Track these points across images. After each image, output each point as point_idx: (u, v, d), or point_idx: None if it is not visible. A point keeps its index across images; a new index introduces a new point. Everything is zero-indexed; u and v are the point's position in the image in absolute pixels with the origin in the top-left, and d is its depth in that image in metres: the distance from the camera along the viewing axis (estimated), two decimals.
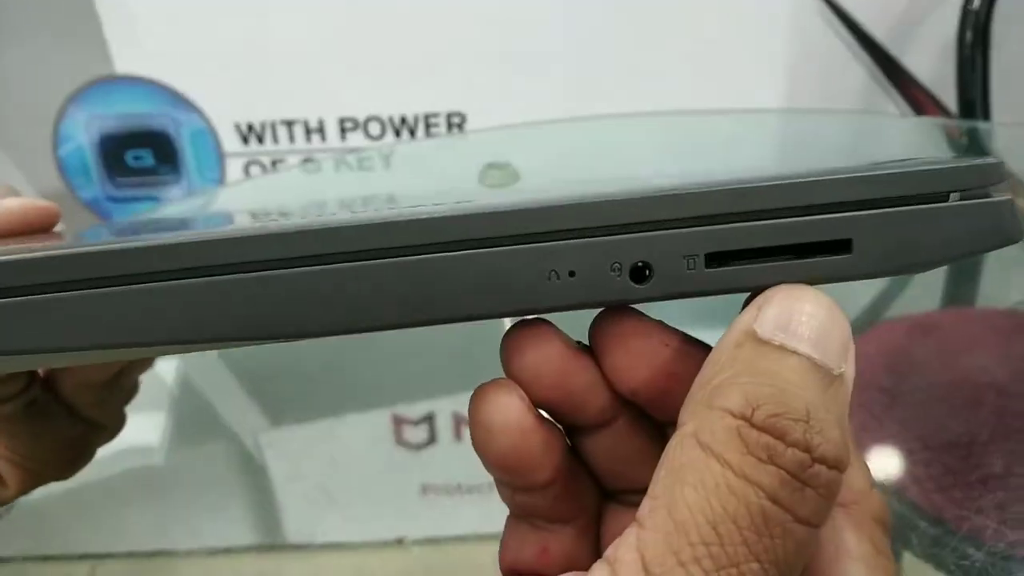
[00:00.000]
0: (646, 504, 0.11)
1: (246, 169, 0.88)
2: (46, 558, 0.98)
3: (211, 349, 0.13)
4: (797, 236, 0.12)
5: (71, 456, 0.21)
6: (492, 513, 0.15)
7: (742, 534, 0.10)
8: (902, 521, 0.45)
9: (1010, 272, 0.71)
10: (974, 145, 0.79)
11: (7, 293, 0.11)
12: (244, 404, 0.92)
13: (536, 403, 0.14)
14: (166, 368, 0.78)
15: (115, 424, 0.21)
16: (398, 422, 0.93)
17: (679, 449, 0.11)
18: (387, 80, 0.85)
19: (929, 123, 0.83)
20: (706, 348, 0.14)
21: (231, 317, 0.12)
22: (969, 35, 0.76)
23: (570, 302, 0.12)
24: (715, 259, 0.12)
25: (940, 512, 0.44)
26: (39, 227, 0.19)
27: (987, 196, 0.13)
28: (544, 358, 0.13)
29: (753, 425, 0.11)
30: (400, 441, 0.93)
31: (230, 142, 0.86)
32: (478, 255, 0.12)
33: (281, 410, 0.94)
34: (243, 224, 0.15)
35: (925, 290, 0.69)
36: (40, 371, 0.20)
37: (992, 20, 0.76)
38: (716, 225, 0.12)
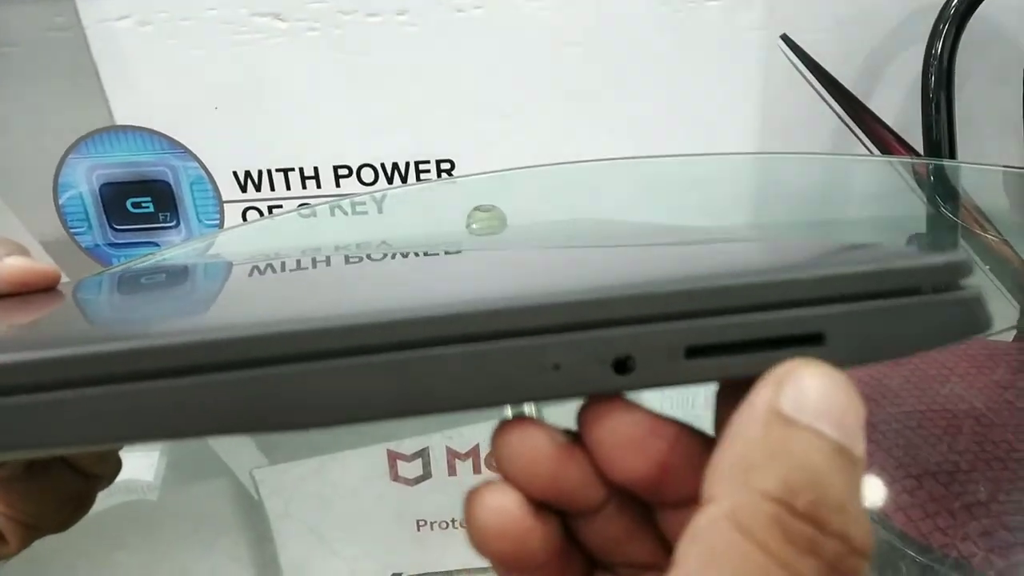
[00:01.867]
0: None
1: (244, 215, 0.90)
2: None
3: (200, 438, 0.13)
4: (772, 331, 0.13)
5: (71, 509, 0.20)
6: None
7: None
8: (890, 550, 0.46)
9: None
10: (940, 184, 0.81)
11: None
12: (239, 440, 0.93)
13: (530, 499, 0.13)
14: None
15: (113, 472, 0.21)
16: (392, 457, 0.94)
17: (714, 530, 0.11)
18: (379, 129, 0.87)
19: (898, 163, 0.86)
20: (698, 434, 0.14)
21: (221, 414, 0.12)
22: (933, 78, 0.79)
23: (555, 394, 0.13)
24: (694, 352, 0.13)
25: (927, 540, 0.45)
26: (39, 288, 0.19)
27: (956, 290, 0.13)
28: (535, 460, 0.13)
29: (794, 513, 0.10)
30: (395, 476, 0.94)
31: (228, 189, 0.88)
32: (465, 351, 0.12)
33: (276, 446, 0.94)
34: (237, 314, 0.15)
35: None
36: None
37: (955, 62, 0.79)
38: (695, 320, 0.13)
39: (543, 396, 0.13)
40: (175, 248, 0.80)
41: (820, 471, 0.11)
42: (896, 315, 0.13)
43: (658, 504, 0.14)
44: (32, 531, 0.20)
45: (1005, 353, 0.66)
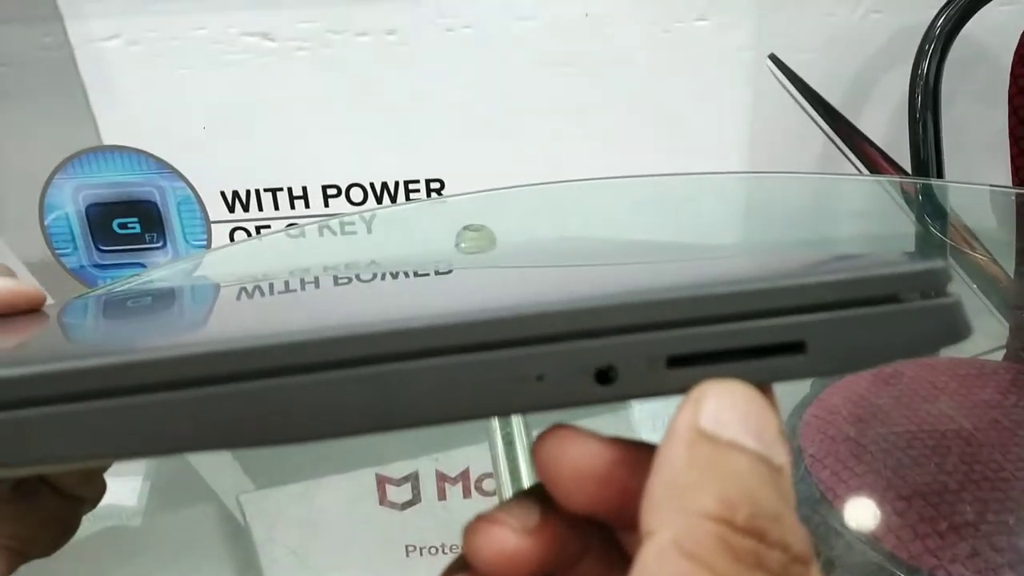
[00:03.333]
0: None
1: (231, 235, 0.90)
2: None
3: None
4: (753, 340, 0.13)
5: (57, 533, 0.20)
6: None
7: None
8: (879, 571, 0.45)
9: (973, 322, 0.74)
10: (929, 203, 0.82)
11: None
12: (225, 465, 0.92)
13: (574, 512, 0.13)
14: None
15: (98, 496, 0.21)
16: (381, 481, 0.93)
17: (662, 561, 0.11)
18: (368, 148, 0.87)
19: (886, 183, 0.87)
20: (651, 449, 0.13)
21: (202, 429, 0.12)
22: (919, 97, 0.79)
23: (539, 405, 0.13)
24: (676, 361, 0.13)
25: (917, 562, 0.44)
26: (24, 310, 0.19)
27: (936, 298, 0.13)
28: (586, 469, 0.13)
29: (736, 529, 0.11)
30: (384, 501, 0.93)
31: (216, 209, 0.88)
32: (450, 362, 0.12)
33: (263, 471, 0.93)
34: (220, 331, 0.15)
35: None
36: None
37: (941, 82, 0.80)
38: (675, 330, 0.13)
39: (528, 407, 0.13)
40: (161, 269, 0.80)
41: (751, 484, 0.11)
42: (876, 323, 0.13)
43: (620, 528, 0.14)
44: (19, 556, 0.20)
45: (994, 372, 0.66)
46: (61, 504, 0.20)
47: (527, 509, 0.14)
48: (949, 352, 0.71)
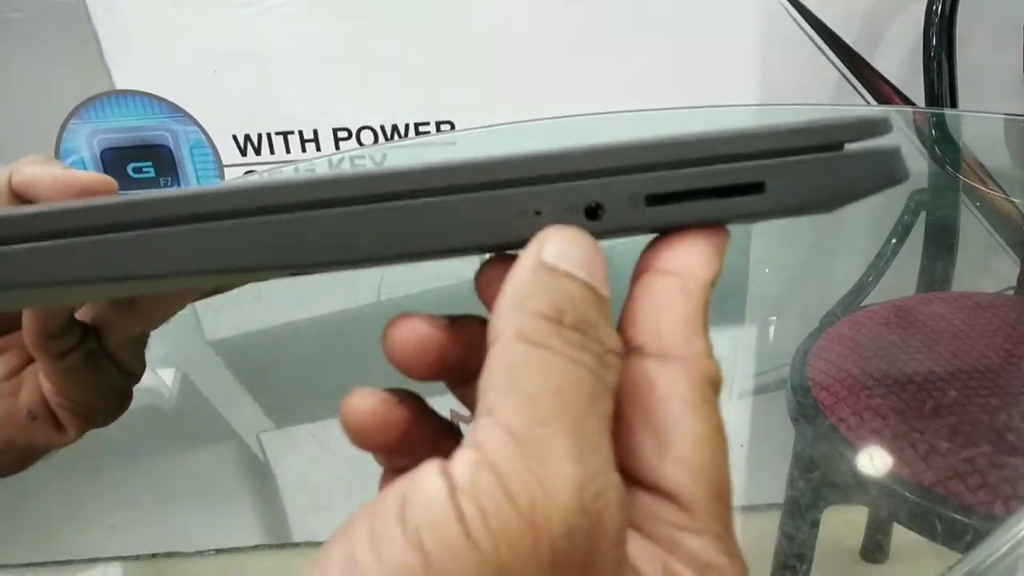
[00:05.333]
0: (489, 397, 0.13)
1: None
2: (56, 563, 0.99)
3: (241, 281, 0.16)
4: (720, 180, 0.15)
5: (117, 404, 0.23)
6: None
7: (580, 396, 0.13)
8: (880, 488, 0.48)
9: (985, 262, 0.74)
10: (942, 137, 0.81)
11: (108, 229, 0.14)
12: (245, 405, 0.94)
13: (422, 377, 0.16)
14: (164, 372, 0.80)
15: (142, 372, 0.24)
16: None
17: (509, 349, 0.13)
18: (379, 91, 0.87)
19: (898, 115, 0.86)
20: (479, 321, 0.17)
21: (266, 250, 0.14)
22: (934, 35, 0.79)
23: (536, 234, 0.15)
24: (654, 200, 0.15)
25: (918, 478, 0.46)
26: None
27: (877, 145, 0.15)
28: (423, 344, 0.16)
29: (563, 325, 0.13)
30: None
31: (228, 153, 0.89)
32: (464, 199, 0.14)
33: (283, 410, 0.95)
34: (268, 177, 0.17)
35: (902, 279, 0.72)
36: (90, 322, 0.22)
37: (956, 19, 0.79)
38: (654, 172, 0.15)
39: (529, 237, 0.15)
40: None
41: (576, 300, 0.14)
42: (825, 166, 0.15)
43: (457, 385, 0.17)
44: (86, 422, 0.23)
45: (1002, 306, 0.65)
46: (119, 378, 0.23)
47: (443, 316, 0.16)
48: (959, 287, 0.71)
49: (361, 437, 0.16)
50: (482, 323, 0.16)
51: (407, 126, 0.89)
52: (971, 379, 0.53)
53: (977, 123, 0.78)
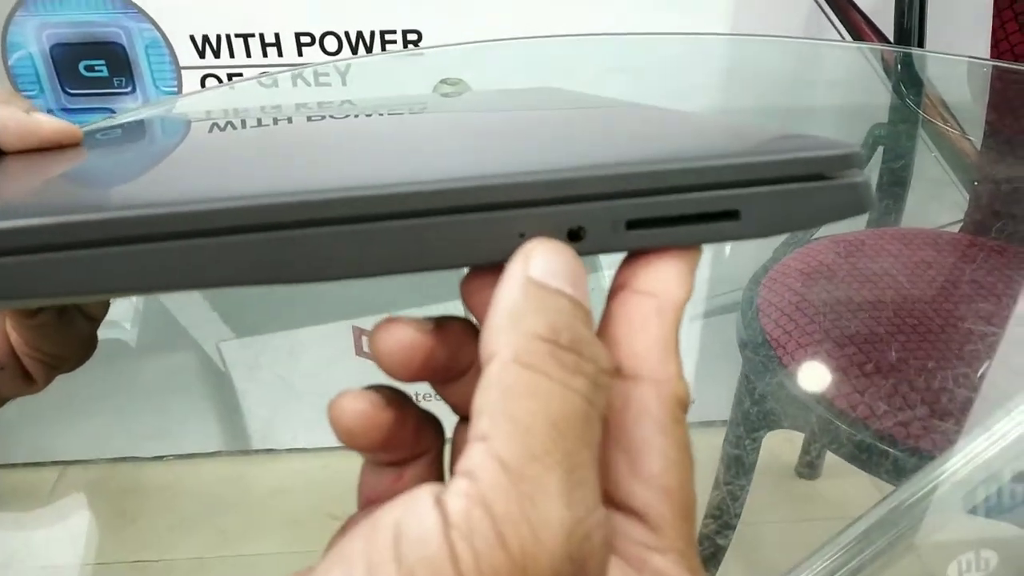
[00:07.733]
0: (484, 422, 0.13)
1: (203, 82, 0.87)
2: (14, 465, 0.99)
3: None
4: (698, 208, 0.15)
5: (85, 349, 0.24)
6: (447, 416, 0.18)
7: (572, 428, 0.13)
8: (806, 409, 0.50)
9: (937, 198, 0.76)
10: (907, 73, 0.82)
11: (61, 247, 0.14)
12: (204, 313, 0.93)
13: (409, 379, 0.16)
14: None
15: (106, 313, 0.24)
16: (358, 333, 0.96)
17: (505, 372, 0.13)
18: None
19: (867, 50, 0.86)
20: (467, 323, 0.17)
21: (238, 269, 0.14)
22: None
23: None
24: (634, 224, 0.15)
25: (846, 400, 0.48)
26: (67, 145, 0.21)
27: (849, 177, 0.16)
28: (409, 347, 0.16)
29: (560, 347, 0.14)
30: (360, 352, 0.96)
31: (186, 55, 0.85)
32: (452, 220, 0.15)
33: (243, 321, 0.95)
34: (238, 183, 0.17)
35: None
36: None
37: None
38: (635, 199, 0.15)
39: (511, 255, 0.15)
40: (131, 114, 0.78)
41: (569, 318, 0.14)
42: (798, 196, 0.16)
43: (443, 383, 0.18)
44: (54, 370, 0.23)
45: (947, 242, 0.67)
46: (86, 324, 0.23)
47: (428, 320, 0.17)
48: (909, 222, 0.73)
49: (349, 438, 0.17)
50: (467, 324, 0.17)
51: (372, 33, 0.86)
52: (910, 315, 0.55)
53: (942, 63, 0.79)
